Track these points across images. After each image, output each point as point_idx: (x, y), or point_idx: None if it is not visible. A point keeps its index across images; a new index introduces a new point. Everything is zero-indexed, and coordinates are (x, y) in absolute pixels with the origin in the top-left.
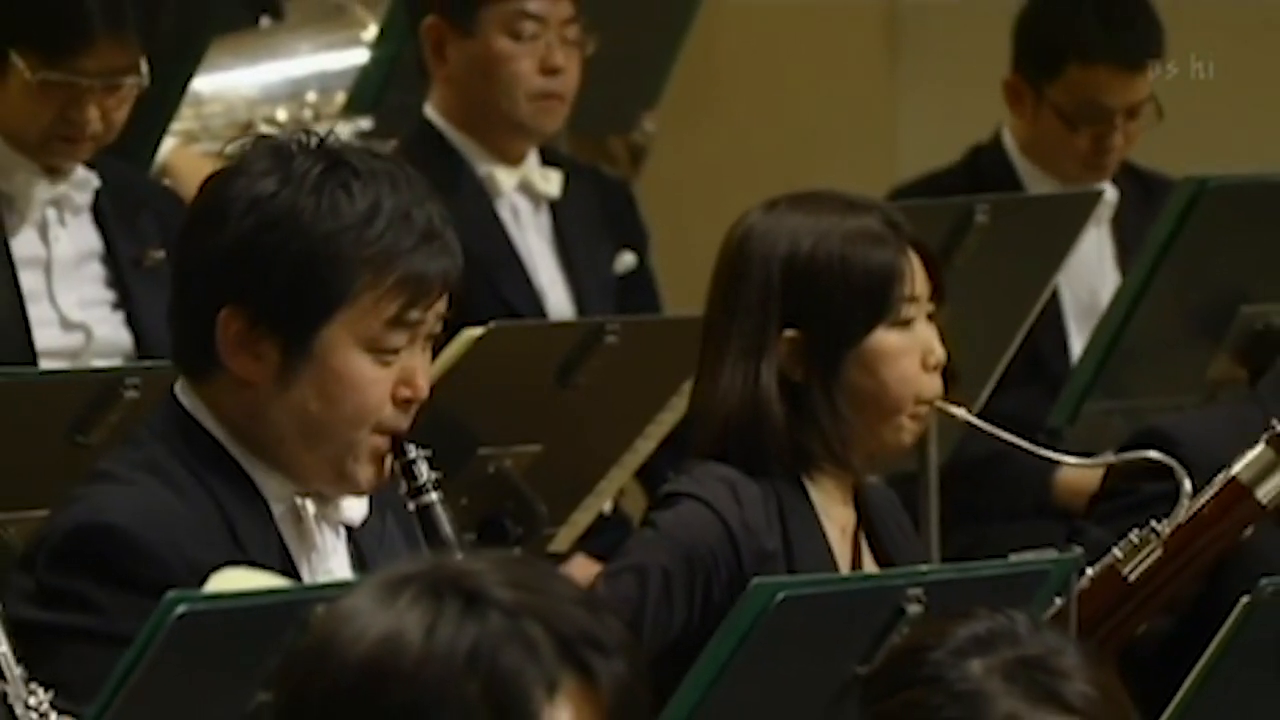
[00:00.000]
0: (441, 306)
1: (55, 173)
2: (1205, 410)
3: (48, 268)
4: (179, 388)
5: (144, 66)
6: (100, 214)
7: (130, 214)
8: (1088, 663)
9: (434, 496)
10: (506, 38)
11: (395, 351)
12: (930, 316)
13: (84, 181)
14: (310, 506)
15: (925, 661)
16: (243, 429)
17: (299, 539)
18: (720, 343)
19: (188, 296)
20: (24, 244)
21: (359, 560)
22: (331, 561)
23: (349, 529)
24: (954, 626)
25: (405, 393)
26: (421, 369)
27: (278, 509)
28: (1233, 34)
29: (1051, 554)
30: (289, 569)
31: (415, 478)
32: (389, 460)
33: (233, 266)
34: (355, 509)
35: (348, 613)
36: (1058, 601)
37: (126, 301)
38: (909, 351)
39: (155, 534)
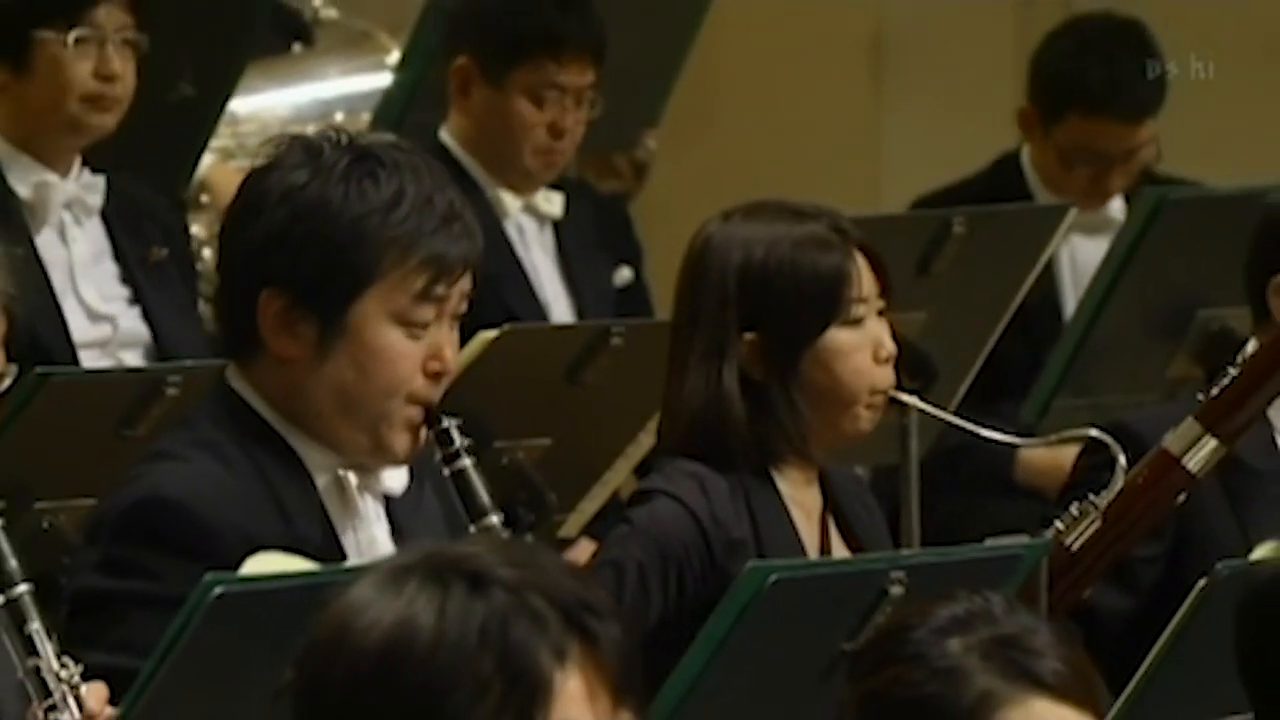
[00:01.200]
0: (466, 285)
1: (66, 170)
2: (1165, 406)
3: (70, 266)
4: (228, 373)
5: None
6: (108, 219)
7: (134, 219)
8: (1060, 641)
9: (468, 462)
10: (529, 101)
11: (424, 326)
12: (880, 313)
13: (93, 184)
14: (353, 478)
15: (908, 640)
16: (286, 406)
17: (342, 509)
18: (685, 347)
19: (231, 284)
20: (46, 245)
21: (397, 529)
22: (374, 530)
23: (388, 499)
24: (935, 607)
25: (435, 366)
26: (449, 344)
27: (321, 481)
28: (1233, 34)
29: (1024, 539)
30: (331, 538)
31: (449, 444)
32: (423, 431)
33: (270, 252)
34: (396, 480)
35: (357, 604)
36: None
37: (139, 296)
38: (861, 347)
39: (208, 507)
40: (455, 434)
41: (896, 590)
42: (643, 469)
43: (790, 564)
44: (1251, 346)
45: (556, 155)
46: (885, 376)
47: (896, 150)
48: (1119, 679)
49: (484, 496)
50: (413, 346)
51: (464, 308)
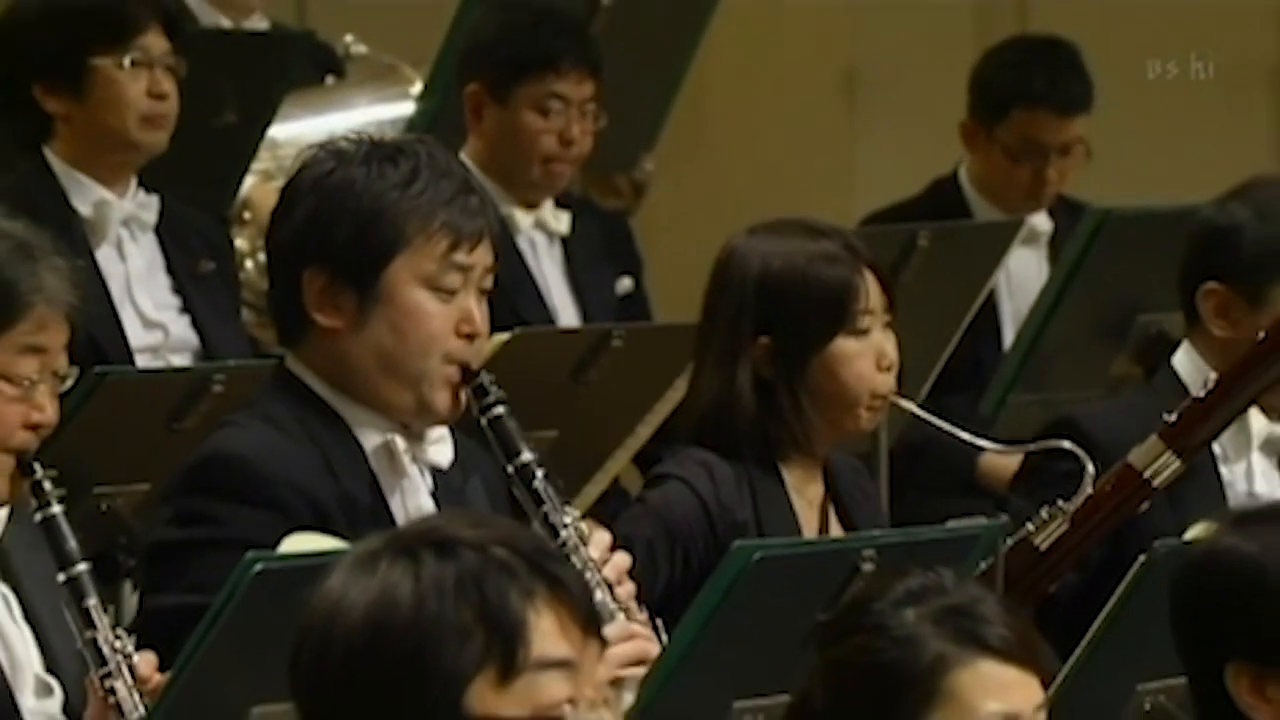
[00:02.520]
0: (487, 258)
1: (124, 190)
2: (1109, 401)
3: (126, 278)
4: (286, 360)
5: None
6: (160, 234)
7: (184, 234)
8: (1005, 609)
9: (502, 410)
10: (535, 113)
11: (452, 292)
12: (887, 325)
13: (147, 203)
14: (400, 442)
15: (869, 612)
16: (336, 378)
17: (391, 473)
18: (705, 346)
19: (278, 272)
20: (105, 259)
21: (439, 500)
22: (422, 499)
23: (436, 472)
24: (892, 582)
25: (466, 328)
26: (479, 311)
27: (369, 445)
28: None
29: (982, 521)
30: (379, 498)
31: (485, 395)
32: (462, 392)
33: (306, 235)
34: (441, 453)
35: (337, 589)
36: (981, 565)
37: (188, 305)
38: (864, 355)
39: (266, 461)
40: (491, 387)
41: (868, 567)
42: (640, 458)
43: (772, 543)
44: (1213, 376)
45: (566, 163)
46: (886, 382)
47: (868, 172)
48: (1067, 647)
49: (519, 440)
50: (443, 308)
51: (489, 283)
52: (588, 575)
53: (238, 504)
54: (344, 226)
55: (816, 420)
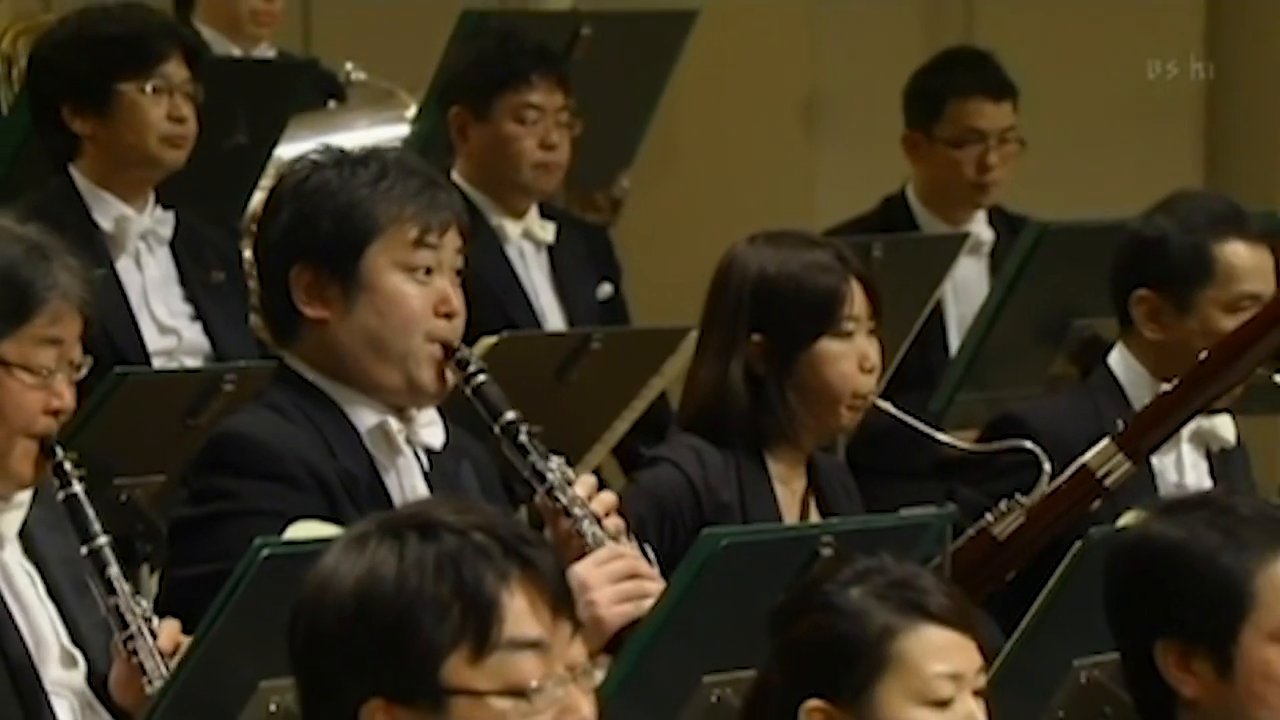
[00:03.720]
0: (457, 241)
1: (142, 206)
2: (1048, 398)
3: (144, 287)
4: (285, 358)
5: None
6: (175, 248)
7: (197, 247)
8: (942, 580)
9: (484, 378)
10: (514, 123)
11: (427, 272)
12: (871, 331)
13: (164, 219)
14: (394, 423)
15: (819, 593)
16: (330, 367)
17: (386, 453)
18: (705, 341)
19: (268, 273)
20: (124, 270)
21: (430, 480)
22: (415, 475)
23: (430, 455)
24: (838, 566)
25: (444, 308)
26: (454, 292)
27: (364, 427)
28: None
29: (932, 510)
30: (374, 476)
31: (467, 366)
32: (447, 369)
33: (291, 234)
34: (433, 435)
35: (330, 565)
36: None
37: (201, 313)
38: (848, 357)
39: (272, 439)
40: (472, 360)
41: (826, 552)
42: (618, 450)
43: (738, 530)
44: (1166, 386)
45: (551, 167)
46: (866, 384)
47: (827, 189)
48: (1011, 623)
49: (502, 404)
50: (420, 290)
51: (460, 263)
52: (576, 511)
53: (248, 478)
54: (323, 222)
55: (802, 415)
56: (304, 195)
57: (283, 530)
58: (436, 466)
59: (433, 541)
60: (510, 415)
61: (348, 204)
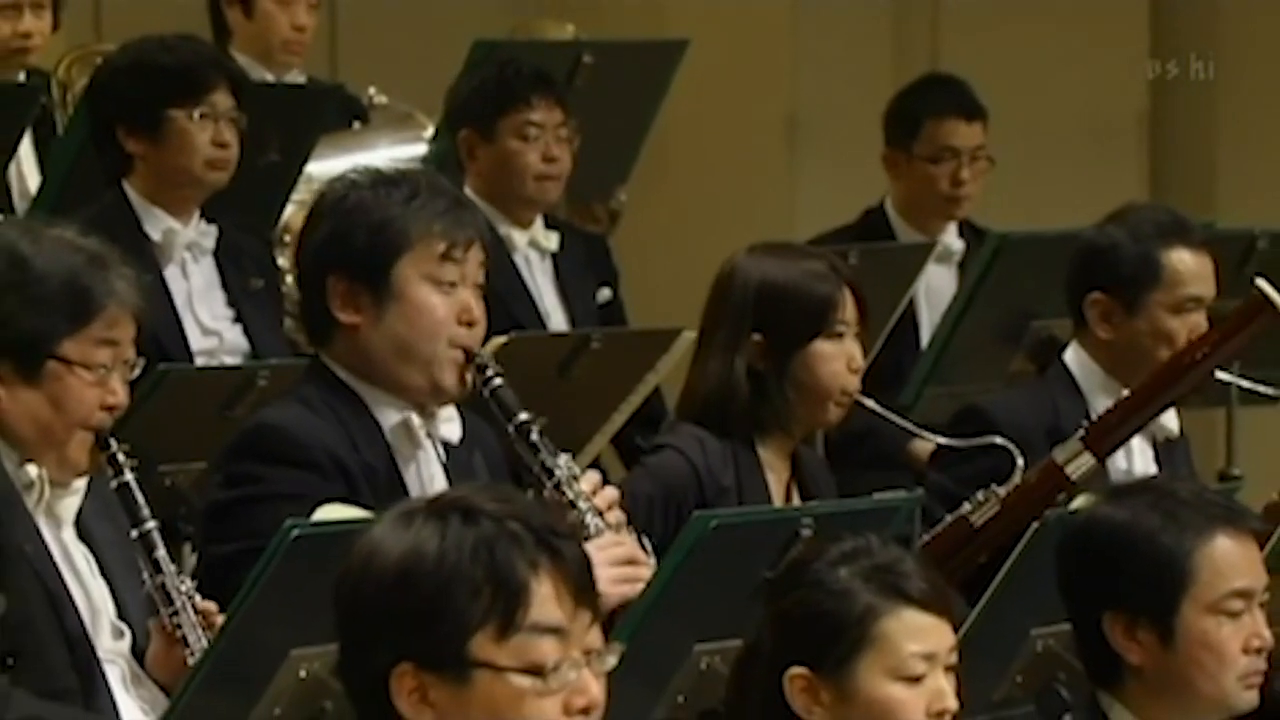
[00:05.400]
0: (480, 256)
1: (188, 220)
2: (1008, 392)
3: (189, 294)
4: (319, 355)
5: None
6: (217, 257)
7: (237, 256)
8: (923, 566)
9: (500, 381)
10: (518, 140)
11: (451, 284)
12: (858, 335)
13: (207, 231)
14: (416, 419)
15: (809, 571)
16: (359, 368)
17: (407, 446)
18: (708, 340)
19: (307, 282)
20: (171, 277)
21: (448, 470)
22: (433, 466)
23: (447, 447)
24: (828, 546)
25: (466, 317)
26: (476, 304)
27: (387, 424)
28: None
29: (902, 494)
30: (394, 469)
31: (485, 371)
32: (467, 373)
33: (329, 248)
34: (451, 430)
35: (378, 537)
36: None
37: (240, 317)
38: (838, 357)
39: (300, 429)
40: (491, 364)
41: (806, 532)
42: (617, 440)
43: (726, 513)
44: (1125, 392)
45: (553, 179)
46: (853, 382)
47: (807, 203)
48: (973, 597)
49: (517, 405)
50: (445, 300)
51: (481, 276)
52: (581, 504)
53: (278, 465)
54: (358, 237)
55: (796, 408)
56: (342, 211)
57: (310, 513)
58: (453, 458)
59: (473, 526)
60: (523, 416)
61: (381, 220)
